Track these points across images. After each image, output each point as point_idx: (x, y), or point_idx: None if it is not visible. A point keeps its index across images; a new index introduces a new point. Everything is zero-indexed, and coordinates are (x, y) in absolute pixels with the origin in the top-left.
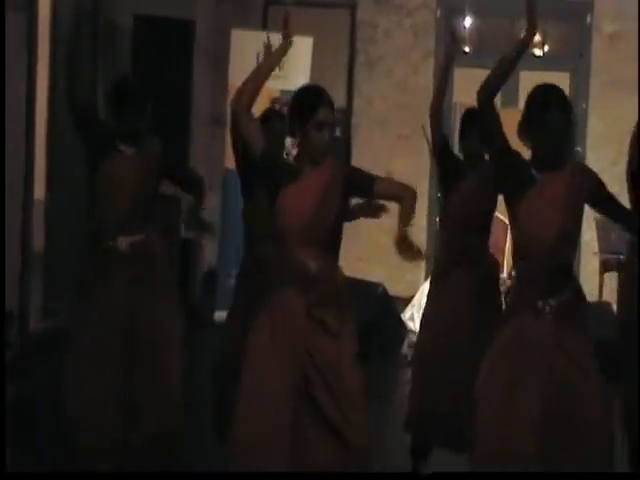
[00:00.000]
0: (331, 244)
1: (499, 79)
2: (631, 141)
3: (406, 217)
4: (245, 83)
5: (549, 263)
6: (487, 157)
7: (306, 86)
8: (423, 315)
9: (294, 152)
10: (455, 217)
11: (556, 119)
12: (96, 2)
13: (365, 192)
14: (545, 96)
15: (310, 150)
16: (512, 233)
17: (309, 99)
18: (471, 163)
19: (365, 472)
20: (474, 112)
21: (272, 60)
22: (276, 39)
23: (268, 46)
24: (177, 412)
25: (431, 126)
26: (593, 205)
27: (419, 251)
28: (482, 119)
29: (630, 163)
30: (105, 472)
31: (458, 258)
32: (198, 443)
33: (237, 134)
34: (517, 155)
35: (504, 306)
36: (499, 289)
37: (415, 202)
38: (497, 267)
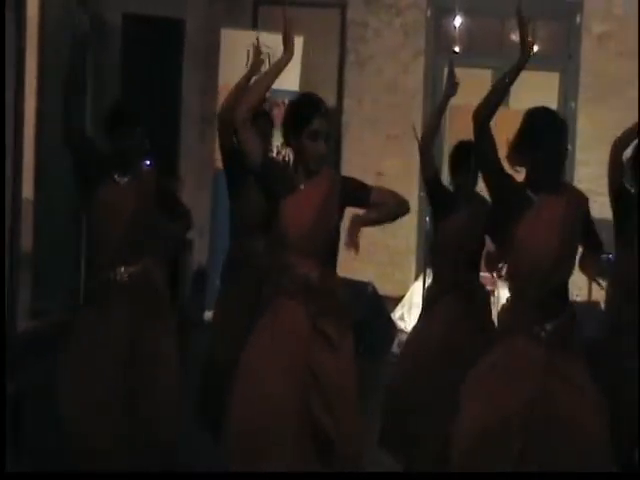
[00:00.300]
0: (330, 254)
1: (495, 101)
2: (610, 160)
3: (381, 217)
4: (244, 93)
5: (546, 286)
6: (480, 179)
7: (301, 95)
8: (407, 341)
9: (284, 152)
10: (446, 249)
11: (555, 143)
12: (85, 1)
13: (362, 202)
14: (543, 120)
15: (306, 160)
16: (508, 257)
17: (304, 109)
18: (463, 196)
19: (365, 472)
20: (465, 146)
21: (274, 71)
22: (266, 39)
23: (257, 47)
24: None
25: (422, 160)
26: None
27: (357, 246)
28: (478, 140)
29: (611, 182)
30: (105, 472)
31: (448, 288)
32: (194, 443)
33: (228, 144)
34: (511, 177)
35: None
36: (490, 320)
37: (401, 215)
38: (488, 298)
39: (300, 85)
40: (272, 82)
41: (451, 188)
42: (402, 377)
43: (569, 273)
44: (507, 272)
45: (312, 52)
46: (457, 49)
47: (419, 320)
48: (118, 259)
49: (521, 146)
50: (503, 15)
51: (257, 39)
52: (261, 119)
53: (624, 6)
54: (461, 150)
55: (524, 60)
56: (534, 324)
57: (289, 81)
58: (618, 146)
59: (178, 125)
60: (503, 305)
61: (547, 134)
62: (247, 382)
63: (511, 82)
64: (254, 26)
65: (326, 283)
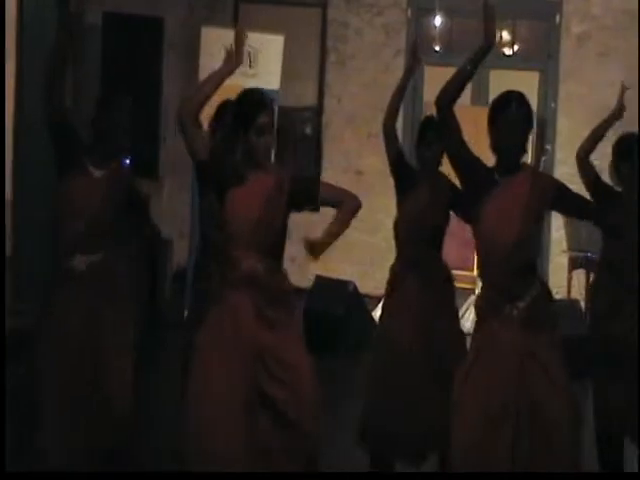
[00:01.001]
0: (276, 247)
1: (457, 86)
2: (577, 164)
3: (340, 225)
4: (193, 92)
5: (511, 266)
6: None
7: (246, 91)
8: (378, 325)
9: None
10: (407, 226)
11: (512, 120)
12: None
13: (310, 199)
14: (504, 99)
15: (253, 155)
16: (475, 238)
17: (249, 105)
18: (425, 172)
19: (366, 472)
20: (432, 120)
21: (224, 71)
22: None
23: (239, 41)
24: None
25: (385, 140)
26: (557, 209)
27: (317, 257)
28: (442, 124)
29: (584, 183)
30: (105, 472)
31: (410, 267)
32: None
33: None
34: (478, 160)
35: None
36: (452, 298)
37: (356, 212)
38: (450, 276)
39: (281, 84)
40: (223, 80)
41: (416, 164)
42: (374, 365)
43: (536, 252)
44: (476, 254)
45: (293, 51)
46: (437, 48)
47: (384, 299)
48: (78, 248)
49: (488, 127)
50: (482, 14)
51: (237, 32)
52: (230, 112)
53: (602, 7)
54: (427, 124)
55: (487, 47)
56: (505, 304)
57: (270, 81)
58: (582, 152)
59: (158, 125)
60: (479, 293)
61: (505, 112)
62: (199, 375)
63: (473, 68)
64: (234, 24)
65: (271, 275)
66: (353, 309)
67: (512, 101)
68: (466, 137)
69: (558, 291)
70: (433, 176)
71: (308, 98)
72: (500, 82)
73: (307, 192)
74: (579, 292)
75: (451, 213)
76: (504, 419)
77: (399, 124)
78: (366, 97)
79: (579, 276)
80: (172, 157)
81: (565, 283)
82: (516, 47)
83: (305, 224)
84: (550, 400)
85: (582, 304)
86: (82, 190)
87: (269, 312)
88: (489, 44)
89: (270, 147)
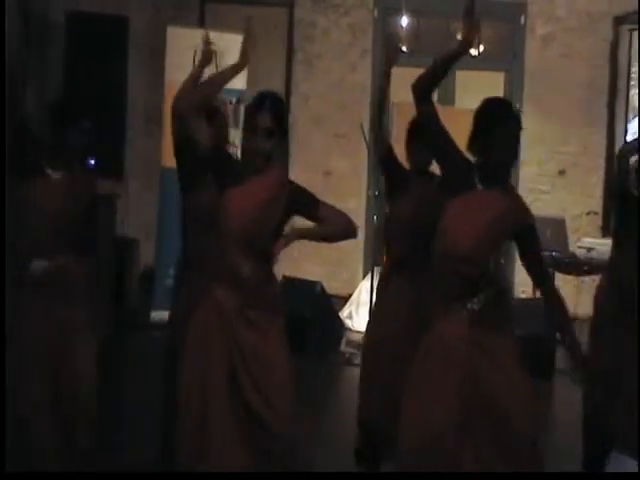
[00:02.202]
0: (266, 251)
1: (435, 75)
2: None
3: (326, 235)
4: (196, 86)
5: (464, 272)
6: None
7: (259, 92)
8: (367, 324)
9: (231, 150)
10: (398, 227)
11: (506, 133)
12: None
13: (310, 214)
14: (496, 110)
15: (249, 156)
16: (435, 235)
17: (249, 106)
18: (417, 174)
19: (366, 472)
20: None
21: (231, 71)
22: (213, 37)
23: (207, 40)
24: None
25: (375, 139)
26: (518, 247)
27: (277, 252)
28: (420, 112)
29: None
30: (105, 472)
31: (400, 267)
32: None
33: (181, 133)
34: (459, 152)
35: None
36: None
37: (346, 238)
38: None
39: (247, 84)
40: (227, 81)
41: (406, 166)
42: (365, 365)
43: (490, 258)
44: (431, 250)
45: (259, 51)
46: (404, 48)
47: (375, 299)
48: (35, 252)
49: (474, 137)
50: (449, 15)
51: (206, 33)
52: (218, 116)
53: (566, 9)
54: (416, 127)
55: (462, 49)
56: (455, 304)
57: (236, 80)
58: (620, 156)
59: (124, 124)
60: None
61: (499, 124)
62: (185, 371)
63: (457, 57)
64: (201, 24)
65: (257, 277)
66: (320, 309)
67: (510, 113)
68: None
69: (524, 290)
70: (424, 175)
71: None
72: (466, 82)
73: (308, 207)
74: None
75: None
76: (453, 412)
77: (366, 124)
78: (333, 97)
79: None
80: (137, 157)
81: (531, 282)
82: (482, 48)
83: None
84: (502, 392)
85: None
86: (40, 193)
87: (250, 311)
88: (466, 47)
89: (264, 149)
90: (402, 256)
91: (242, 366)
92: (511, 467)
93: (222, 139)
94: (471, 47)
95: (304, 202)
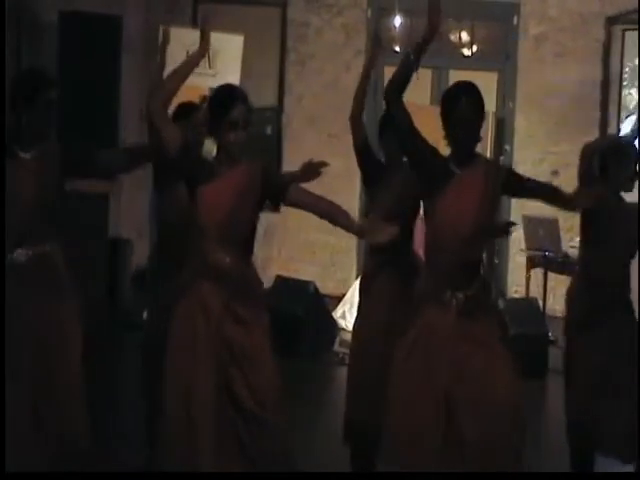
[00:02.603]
0: (246, 242)
1: (404, 76)
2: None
3: (319, 208)
4: (162, 83)
5: (461, 258)
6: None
7: (221, 86)
8: (354, 322)
9: (214, 151)
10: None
11: (462, 110)
12: None
13: (278, 199)
14: (454, 90)
15: (226, 149)
16: (427, 228)
17: (222, 99)
18: (392, 165)
19: (365, 472)
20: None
21: (190, 62)
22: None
23: (206, 40)
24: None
25: (352, 130)
26: (514, 194)
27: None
28: (394, 116)
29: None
30: (105, 472)
31: (381, 261)
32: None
33: (152, 131)
34: (432, 150)
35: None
36: None
37: (340, 212)
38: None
39: (241, 84)
40: (187, 75)
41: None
42: (354, 363)
43: (484, 246)
44: (425, 242)
45: (252, 51)
46: (397, 48)
47: (359, 303)
48: (17, 240)
49: (441, 119)
50: (442, 15)
51: (206, 30)
52: (195, 113)
53: (558, 9)
54: (388, 117)
55: (429, 36)
56: (446, 293)
57: (229, 80)
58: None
59: (117, 123)
60: (418, 284)
61: (456, 102)
62: (170, 368)
63: (417, 58)
64: (193, 24)
65: (239, 269)
66: (313, 309)
67: (461, 92)
68: (426, 136)
69: (517, 290)
70: (399, 169)
71: (268, 98)
72: None
73: (276, 190)
74: (537, 291)
75: None
76: (439, 401)
77: None
78: (326, 97)
79: (537, 275)
80: None
81: (524, 282)
82: (475, 48)
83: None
84: (488, 382)
85: (540, 303)
86: (14, 177)
87: (236, 306)
88: (432, 32)
89: (243, 142)
90: (383, 251)
91: (231, 362)
92: (491, 456)
93: (198, 137)
94: (437, 31)
95: (274, 188)
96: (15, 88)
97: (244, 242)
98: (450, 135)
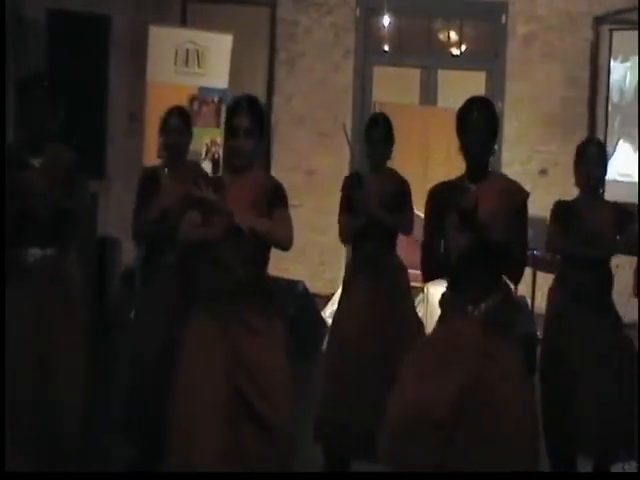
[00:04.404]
0: (258, 252)
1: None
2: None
3: (267, 236)
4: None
5: (480, 270)
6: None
7: (235, 97)
8: (332, 321)
9: (213, 149)
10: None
11: (475, 125)
12: None
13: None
14: (467, 105)
15: (229, 156)
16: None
17: (229, 106)
18: (375, 169)
19: (366, 472)
20: (378, 117)
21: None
22: (195, 36)
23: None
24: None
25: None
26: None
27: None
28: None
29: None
30: (105, 472)
31: (363, 265)
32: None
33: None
34: (439, 185)
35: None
36: (407, 293)
37: (277, 246)
38: (404, 272)
39: (229, 83)
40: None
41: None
42: (328, 363)
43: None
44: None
45: (241, 50)
46: (386, 48)
47: (339, 303)
48: (27, 241)
49: (457, 137)
50: (431, 15)
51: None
52: (175, 113)
53: (547, 7)
54: (374, 122)
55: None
56: (468, 304)
57: (218, 79)
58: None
59: (105, 124)
60: (443, 292)
61: (468, 116)
62: (183, 379)
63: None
64: (183, 23)
65: (253, 280)
66: (303, 309)
67: (474, 106)
68: (415, 136)
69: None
70: (381, 170)
71: (257, 97)
72: (448, 82)
73: (280, 200)
74: (526, 290)
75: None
76: (442, 417)
77: (348, 123)
78: (316, 96)
79: (525, 274)
80: (119, 157)
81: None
82: (463, 47)
83: None
84: (507, 400)
85: (529, 301)
86: (25, 180)
87: (251, 317)
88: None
89: (244, 149)
90: (366, 254)
91: (244, 376)
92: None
93: (182, 139)
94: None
95: (272, 200)
96: (18, 91)
97: (257, 251)
98: (464, 149)
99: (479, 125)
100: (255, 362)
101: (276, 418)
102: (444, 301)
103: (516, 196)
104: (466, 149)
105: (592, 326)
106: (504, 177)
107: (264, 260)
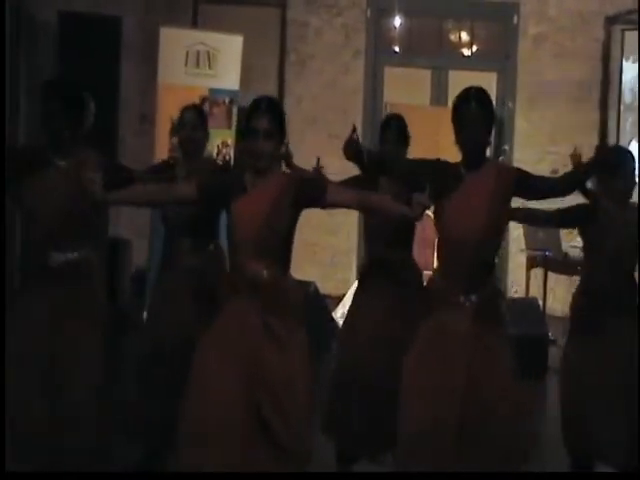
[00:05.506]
0: (281, 254)
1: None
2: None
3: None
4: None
5: (473, 260)
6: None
7: (255, 98)
8: (344, 322)
9: (224, 150)
10: (374, 225)
11: (471, 116)
12: None
13: (317, 202)
14: (463, 95)
15: (248, 158)
16: (438, 231)
17: (248, 108)
18: (388, 169)
19: (365, 472)
20: (392, 119)
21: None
22: (206, 37)
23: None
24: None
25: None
26: (524, 194)
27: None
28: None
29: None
30: (105, 472)
31: (378, 267)
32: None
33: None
34: (434, 161)
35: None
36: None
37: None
38: (419, 275)
39: (240, 84)
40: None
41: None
42: (340, 364)
43: (497, 248)
44: (437, 245)
45: (252, 51)
46: (397, 49)
47: (352, 304)
48: (53, 244)
49: (453, 127)
50: (441, 15)
51: None
52: (190, 111)
53: (558, 8)
54: (388, 123)
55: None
56: (460, 295)
57: (229, 80)
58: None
59: (117, 125)
60: (432, 279)
61: (463, 106)
62: (199, 383)
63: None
64: (194, 24)
65: (275, 283)
66: (314, 310)
67: (471, 97)
68: (426, 137)
69: (517, 290)
70: (395, 174)
71: (277, 99)
72: (459, 82)
73: (314, 195)
74: (537, 291)
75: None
76: (451, 403)
77: (359, 125)
78: (326, 97)
79: (537, 275)
80: (131, 157)
81: (524, 282)
82: (474, 48)
83: None
84: (495, 391)
85: (540, 303)
86: (50, 182)
87: (272, 324)
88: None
89: (264, 151)
90: (380, 256)
91: (263, 384)
92: (493, 460)
93: (195, 136)
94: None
95: (312, 194)
96: (47, 96)
97: (279, 254)
98: (459, 139)
99: (475, 117)
100: (275, 375)
101: (293, 437)
102: (434, 292)
103: (509, 173)
104: (462, 140)
105: (618, 329)
106: (497, 163)
107: (287, 259)
